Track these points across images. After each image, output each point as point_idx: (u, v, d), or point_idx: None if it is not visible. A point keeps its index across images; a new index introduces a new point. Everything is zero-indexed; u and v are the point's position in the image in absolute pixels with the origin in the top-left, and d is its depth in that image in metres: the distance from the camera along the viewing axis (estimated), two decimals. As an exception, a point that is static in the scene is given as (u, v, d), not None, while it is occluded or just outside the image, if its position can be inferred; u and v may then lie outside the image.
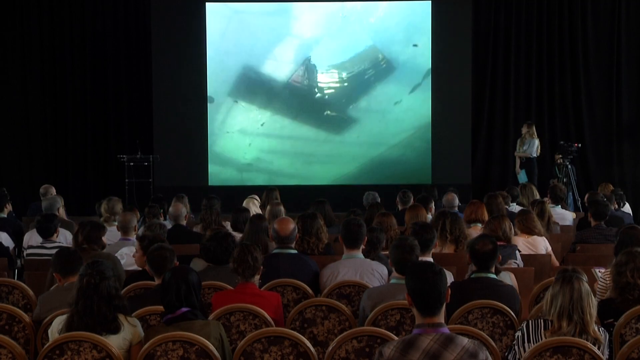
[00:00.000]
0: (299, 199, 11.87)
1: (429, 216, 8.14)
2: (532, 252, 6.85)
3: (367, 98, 14.19)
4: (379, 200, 9.68)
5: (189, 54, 14.09)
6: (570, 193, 12.63)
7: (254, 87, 14.15)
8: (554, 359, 4.00)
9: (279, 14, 14.21)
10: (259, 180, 13.93)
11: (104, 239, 6.37)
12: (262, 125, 14.18)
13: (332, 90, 14.20)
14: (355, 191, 11.47)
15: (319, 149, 14.24)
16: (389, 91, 14.17)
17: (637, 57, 14.39)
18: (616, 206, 9.97)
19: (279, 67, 14.16)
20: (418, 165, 14.17)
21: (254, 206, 9.55)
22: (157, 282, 5.05)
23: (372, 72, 14.16)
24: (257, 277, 5.06)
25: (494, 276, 5.11)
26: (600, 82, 14.42)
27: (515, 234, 6.93)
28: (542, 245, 6.99)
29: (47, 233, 7.04)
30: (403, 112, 14.16)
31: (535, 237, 7.03)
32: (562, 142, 13.20)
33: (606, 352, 4.18)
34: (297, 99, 14.18)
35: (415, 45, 14.09)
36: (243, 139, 14.22)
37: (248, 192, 10.45)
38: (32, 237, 7.49)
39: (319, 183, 13.95)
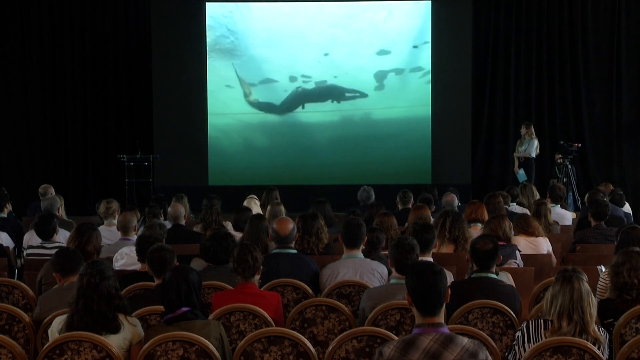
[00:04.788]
0: (299, 199, 11.86)
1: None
2: (534, 252, 6.84)
3: (366, 97, 14.18)
4: (373, 195, 9.69)
5: (189, 54, 14.09)
6: (570, 193, 12.62)
7: (252, 79, 14.18)
8: (554, 358, 4.00)
9: (279, 12, 14.21)
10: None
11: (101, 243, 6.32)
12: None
13: (331, 88, 14.18)
14: (355, 191, 11.46)
15: (315, 146, 14.25)
16: (388, 91, 14.15)
17: (637, 57, 14.38)
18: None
19: (278, 65, 14.19)
20: (418, 165, 14.15)
21: (255, 206, 9.55)
22: (157, 282, 5.05)
23: (371, 71, 14.15)
24: (257, 277, 5.06)
25: (494, 276, 5.11)
26: (600, 82, 14.41)
27: (516, 234, 6.92)
28: (544, 245, 6.98)
29: (46, 235, 7.00)
30: (403, 111, 14.14)
31: (537, 237, 7.02)
32: (562, 142, 13.19)
33: (606, 352, 4.18)
34: (296, 94, 14.18)
35: (415, 47, 14.09)
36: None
37: (248, 192, 10.46)
38: (32, 237, 7.46)
39: (317, 183, 13.94)
